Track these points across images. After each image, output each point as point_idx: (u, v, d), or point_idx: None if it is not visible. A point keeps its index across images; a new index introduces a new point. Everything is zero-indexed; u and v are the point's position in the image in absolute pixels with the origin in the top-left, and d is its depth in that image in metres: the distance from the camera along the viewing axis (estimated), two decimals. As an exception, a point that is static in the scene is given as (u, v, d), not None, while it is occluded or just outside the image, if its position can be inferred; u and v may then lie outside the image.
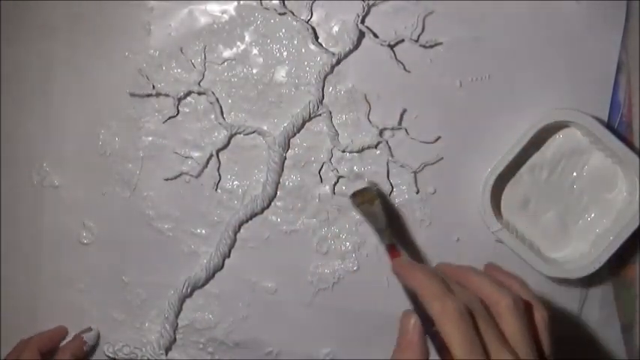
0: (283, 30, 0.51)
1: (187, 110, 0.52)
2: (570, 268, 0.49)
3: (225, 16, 0.52)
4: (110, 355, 0.53)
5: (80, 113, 0.53)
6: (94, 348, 0.53)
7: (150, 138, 0.52)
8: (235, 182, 0.52)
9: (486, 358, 0.35)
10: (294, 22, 0.51)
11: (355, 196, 0.48)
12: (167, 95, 0.52)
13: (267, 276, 0.52)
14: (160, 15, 0.52)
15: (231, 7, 0.52)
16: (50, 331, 0.52)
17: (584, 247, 0.51)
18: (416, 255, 0.52)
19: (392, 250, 0.44)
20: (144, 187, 0.53)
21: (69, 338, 0.53)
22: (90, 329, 0.52)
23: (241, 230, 0.52)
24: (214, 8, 0.52)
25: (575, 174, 0.52)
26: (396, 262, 0.42)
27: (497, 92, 0.51)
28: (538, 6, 0.50)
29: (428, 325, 0.37)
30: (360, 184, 0.50)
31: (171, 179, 0.52)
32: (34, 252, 0.53)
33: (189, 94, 0.52)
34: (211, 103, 0.52)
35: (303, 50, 0.51)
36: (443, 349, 0.36)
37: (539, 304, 0.39)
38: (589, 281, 0.51)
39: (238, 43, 0.52)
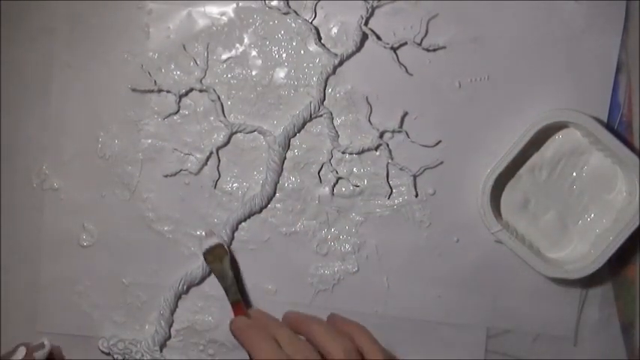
0: (282, 32, 0.51)
1: (187, 112, 0.52)
2: (570, 269, 0.50)
3: (224, 18, 0.52)
4: (104, 350, 0.53)
5: (79, 116, 0.53)
6: None
7: (149, 140, 0.52)
8: (235, 184, 0.52)
9: None
10: (293, 24, 0.51)
11: (208, 253, 0.50)
12: (169, 92, 0.52)
13: (267, 278, 0.53)
14: (158, 17, 0.52)
15: (229, 9, 0.51)
16: (28, 355, 0.49)
17: (584, 247, 0.51)
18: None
19: (236, 307, 0.48)
20: (143, 190, 0.53)
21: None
22: (43, 345, 0.51)
23: (241, 232, 0.52)
24: (213, 10, 0.52)
25: (574, 174, 0.52)
26: (233, 322, 0.45)
27: (496, 93, 0.51)
28: (537, 6, 0.50)
29: None
30: (211, 241, 0.51)
31: (171, 176, 0.52)
32: (34, 254, 0.53)
33: (190, 90, 0.52)
34: (212, 100, 0.51)
35: (302, 52, 0.51)
36: None
37: (375, 350, 0.42)
38: (589, 281, 0.51)
39: (237, 45, 0.52)
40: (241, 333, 0.43)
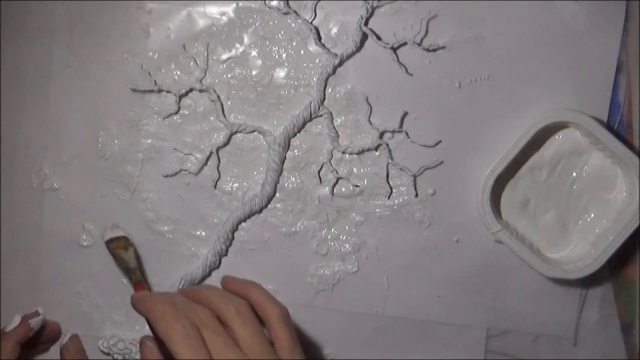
0: (282, 32, 0.51)
1: (187, 112, 0.52)
2: (570, 269, 0.50)
3: (224, 18, 0.52)
4: (104, 350, 0.53)
5: (79, 116, 0.53)
6: (40, 331, 0.52)
7: (149, 140, 0.52)
8: (235, 184, 0.52)
9: None
10: (293, 24, 0.51)
11: (111, 242, 0.51)
12: (169, 92, 0.52)
13: (267, 278, 0.52)
14: (158, 17, 0.52)
15: (229, 9, 0.51)
16: (23, 323, 0.50)
17: (584, 247, 0.51)
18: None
19: (138, 286, 0.48)
20: (143, 190, 0.53)
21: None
22: (37, 314, 0.51)
23: (241, 232, 0.52)
24: (213, 10, 0.51)
25: (574, 174, 0.52)
26: (133, 295, 0.45)
27: (496, 93, 0.51)
28: (538, 6, 0.50)
29: (165, 348, 0.39)
30: (116, 233, 0.51)
31: (171, 176, 0.52)
32: (33, 255, 0.53)
33: (190, 90, 0.52)
34: (212, 100, 0.51)
35: (302, 52, 0.51)
36: None
37: (271, 303, 0.42)
38: (589, 281, 0.51)
39: (237, 45, 0.52)
40: (141, 303, 0.43)
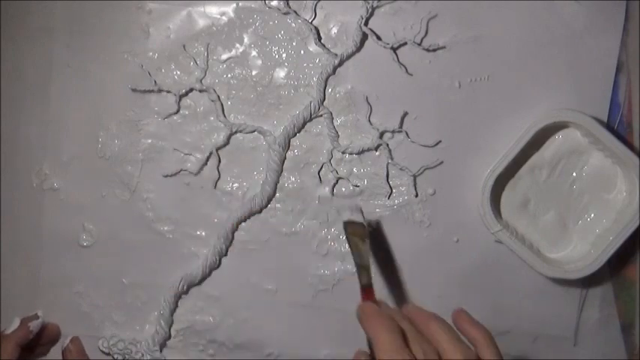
0: (282, 32, 0.51)
1: (187, 112, 0.52)
2: (570, 269, 0.50)
3: (224, 18, 0.52)
4: (104, 350, 0.53)
5: (79, 116, 0.53)
6: (39, 334, 0.52)
7: (149, 140, 0.52)
8: (235, 184, 0.52)
9: None
10: (293, 24, 0.51)
11: (349, 224, 0.47)
12: (169, 92, 0.52)
13: (267, 278, 0.53)
14: (158, 17, 0.52)
15: (229, 9, 0.51)
16: (23, 326, 0.50)
17: (584, 247, 0.51)
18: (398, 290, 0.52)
19: (367, 291, 0.44)
20: (143, 190, 0.53)
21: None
22: (36, 316, 0.51)
23: (241, 232, 0.52)
24: (213, 10, 0.52)
25: (574, 174, 0.52)
26: (361, 307, 0.41)
27: (496, 93, 0.51)
28: (538, 6, 0.50)
29: None
30: (358, 217, 0.47)
31: (171, 176, 0.52)
32: (34, 254, 0.53)
33: (190, 90, 0.52)
34: (212, 100, 0.52)
35: (302, 52, 0.51)
36: None
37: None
38: (589, 281, 0.51)
39: (237, 45, 0.52)
40: (368, 319, 0.40)
